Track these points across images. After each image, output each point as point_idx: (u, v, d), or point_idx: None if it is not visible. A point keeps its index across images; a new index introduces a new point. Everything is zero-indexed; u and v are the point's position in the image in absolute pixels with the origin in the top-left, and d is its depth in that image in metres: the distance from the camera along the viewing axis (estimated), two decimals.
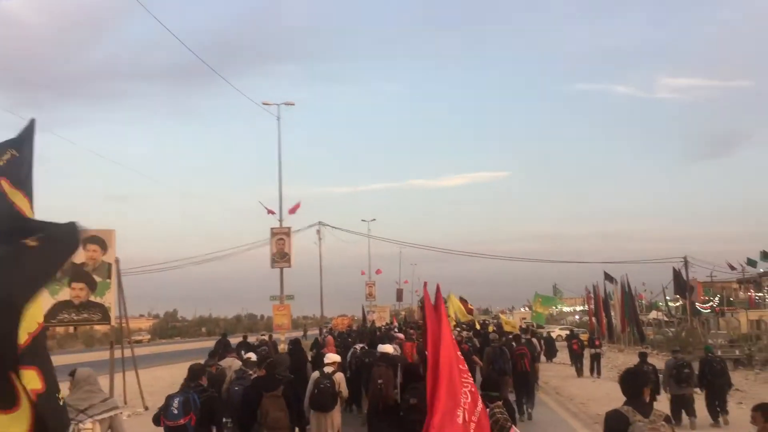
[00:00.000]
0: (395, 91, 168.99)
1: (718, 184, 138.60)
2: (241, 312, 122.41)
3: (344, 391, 9.20)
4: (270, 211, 33.15)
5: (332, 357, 9.52)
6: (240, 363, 11.47)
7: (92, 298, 14.97)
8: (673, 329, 40.61)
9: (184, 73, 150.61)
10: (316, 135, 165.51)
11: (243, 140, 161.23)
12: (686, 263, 43.85)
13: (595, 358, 23.57)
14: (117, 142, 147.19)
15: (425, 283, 7.44)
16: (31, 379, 2.88)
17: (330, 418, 8.88)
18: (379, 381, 9.01)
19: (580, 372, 23.57)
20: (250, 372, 9.94)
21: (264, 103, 33.36)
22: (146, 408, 15.43)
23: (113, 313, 15.34)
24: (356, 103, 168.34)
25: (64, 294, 14.71)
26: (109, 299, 15.14)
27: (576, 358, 24.08)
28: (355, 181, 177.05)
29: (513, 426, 6.09)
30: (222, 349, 16.07)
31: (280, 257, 32.67)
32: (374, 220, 56.80)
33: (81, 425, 5.67)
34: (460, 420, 5.60)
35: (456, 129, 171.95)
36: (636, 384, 5.01)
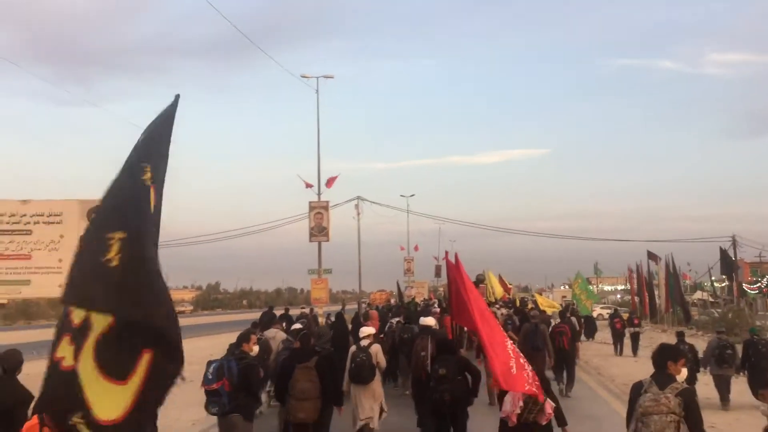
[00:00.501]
0: (434, 67, 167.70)
1: (765, 162, 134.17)
2: (282, 285, 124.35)
3: (382, 361, 9.32)
4: (308, 185, 33.24)
5: (366, 330, 9.62)
6: (284, 334, 11.93)
7: None
8: (719, 310, 39.64)
9: (225, 48, 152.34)
10: (356, 110, 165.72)
11: (283, 115, 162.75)
12: (734, 243, 42.68)
13: (634, 337, 23.76)
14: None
15: (447, 253, 8.15)
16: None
17: (371, 390, 9.03)
18: (422, 353, 9.29)
19: (619, 351, 23.67)
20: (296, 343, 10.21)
21: (302, 76, 33.31)
22: (183, 378, 15.48)
23: None
24: (396, 79, 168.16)
25: None
26: None
27: (617, 337, 24.13)
28: (394, 157, 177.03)
29: (548, 399, 6.18)
30: (267, 321, 16.27)
31: (319, 231, 32.83)
32: (413, 195, 56.45)
33: None
34: (514, 371, 6.07)
35: (495, 106, 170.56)
36: (661, 357, 5.24)
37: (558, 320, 15.54)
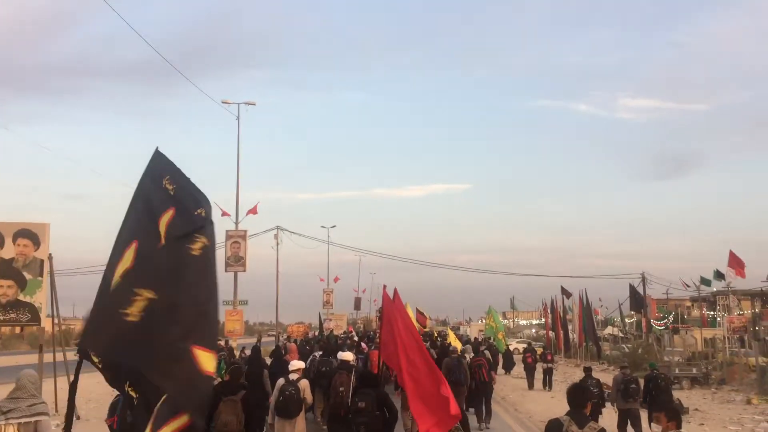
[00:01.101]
0: (361, 100, 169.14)
1: (673, 203, 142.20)
2: None
3: (309, 397, 9.56)
4: (225, 213, 32.54)
5: (297, 364, 9.79)
6: None
7: (21, 297, 13.88)
8: (629, 345, 40.92)
9: (146, 72, 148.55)
10: (279, 141, 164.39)
11: (204, 142, 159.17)
12: (644, 280, 44.39)
13: (548, 372, 24.63)
14: (74, 140, 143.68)
15: (384, 286, 8.24)
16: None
17: (295, 424, 9.23)
18: (341, 389, 9.27)
19: (531, 385, 24.40)
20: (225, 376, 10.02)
21: (224, 102, 32.97)
22: (78, 417, 14.43)
23: (44, 314, 14.27)
24: (321, 110, 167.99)
25: None
26: (40, 298, 14.03)
27: (529, 371, 24.90)
28: (317, 188, 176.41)
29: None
30: None
31: (235, 261, 32.17)
32: (334, 226, 55.97)
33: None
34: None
35: (419, 140, 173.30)
36: (582, 397, 5.53)
37: (472, 354, 15.65)
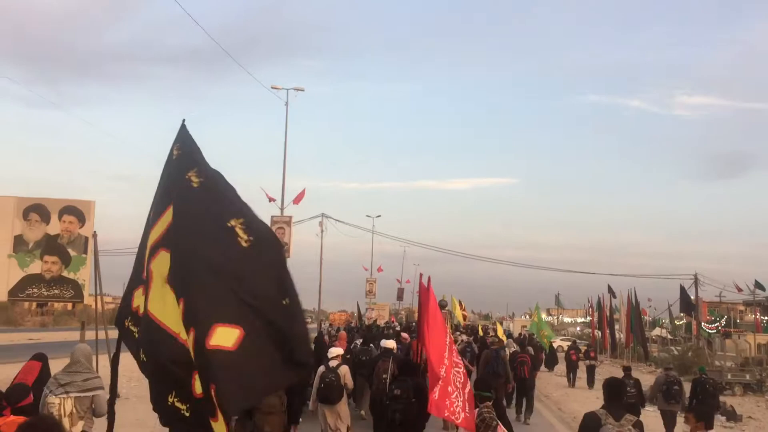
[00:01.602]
0: (409, 92, 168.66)
1: (728, 204, 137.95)
2: None
3: (350, 383, 9.68)
4: (271, 199, 32.81)
5: (336, 351, 9.90)
6: None
7: (65, 274, 14.01)
8: (678, 347, 40.00)
9: (200, 59, 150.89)
10: (329, 130, 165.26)
11: (253, 128, 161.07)
12: (696, 281, 43.08)
13: (590, 370, 24.67)
14: (127, 123, 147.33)
15: (420, 275, 8.53)
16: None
17: (337, 410, 9.42)
18: (384, 376, 9.85)
19: (573, 383, 24.53)
20: None
21: (273, 87, 33.10)
22: (118, 395, 14.55)
23: (87, 291, 14.41)
24: (371, 101, 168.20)
25: (35, 267, 13.77)
26: (83, 275, 14.12)
27: (572, 369, 25.00)
28: (364, 178, 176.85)
29: (500, 424, 6.57)
30: None
31: None
32: (379, 216, 56.10)
33: (49, 398, 6.05)
34: (436, 396, 6.62)
35: (467, 133, 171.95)
36: (617, 391, 5.92)
37: (517, 349, 15.57)
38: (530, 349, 18.75)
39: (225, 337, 3.21)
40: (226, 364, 3.16)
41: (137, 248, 4.19)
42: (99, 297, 15.00)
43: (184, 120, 4.15)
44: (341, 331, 17.82)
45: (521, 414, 14.75)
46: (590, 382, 23.95)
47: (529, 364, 15.14)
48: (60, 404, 6.03)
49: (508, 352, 15.06)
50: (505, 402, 13.62)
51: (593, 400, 20.09)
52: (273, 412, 7.31)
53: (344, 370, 9.51)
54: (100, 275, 15.02)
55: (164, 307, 3.58)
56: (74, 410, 6.11)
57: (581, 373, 24.71)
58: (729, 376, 26.09)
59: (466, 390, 6.94)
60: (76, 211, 14.12)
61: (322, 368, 9.57)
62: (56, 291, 13.97)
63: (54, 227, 13.89)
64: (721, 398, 20.43)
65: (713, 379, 15.02)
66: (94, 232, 14.42)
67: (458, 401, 6.72)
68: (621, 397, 5.95)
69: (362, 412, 13.10)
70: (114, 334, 4.92)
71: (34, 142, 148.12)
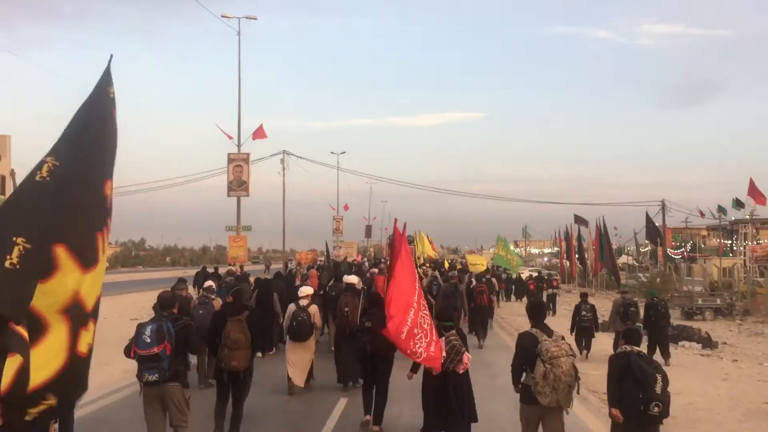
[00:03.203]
0: (376, 27, 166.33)
1: (691, 132, 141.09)
2: (209, 243, 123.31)
3: (318, 321, 10.83)
4: (229, 136, 33.10)
5: (306, 290, 10.81)
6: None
7: None
8: (647, 274, 41.95)
9: None
10: (290, 67, 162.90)
11: (212, 66, 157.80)
12: (663, 208, 45.13)
13: (551, 298, 26.63)
14: (82, 64, 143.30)
15: (396, 220, 9.00)
16: None
17: (305, 346, 10.48)
18: (346, 309, 10.88)
19: None
20: (212, 297, 11.72)
21: (223, 15, 33.08)
22: None
23: None
24: (334, 37, 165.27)
25: None
26: None
27: (530, 297, 26.55)
28: (329, 117, 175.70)
29: (466, 351, 7.55)
30: (202, 279, 18.89)
31: (238, 185, 32.95)
32: (344, 152, 57.27)
33: None
34: (403, 336, 7.34)
35: (434, 69, 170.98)
36: (540, 312, 6.99)
37: (474, 282, 17.89)
38: (493, 280, 20.56)
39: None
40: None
41: None
42: None
43: (111, 56, 4.49)
44: (311, 270, 18.80)
45: (480, 339, 16.27)
46: (552, 310, 25.62)
47: (487, 293, 16.96)
48: None
49: (465, 284, 16.71)
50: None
51: (550, 323, 22.09)
52: (239, 347, 7.97)
53: (314, 309, 10.51)
54: None
55: None
56: None
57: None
58: (700, 301, 27.12)
59: (433, 330, 7.67)
60: None
61: (292, 306, 10.52)
62: None
63: None
64: (694, 324, 22.01)
65: (665, 301, 16.39)
66: (12, 170, 13.75)
67: (422, 342, 7.44)
68: (543, 316, 6.87)
69: (333, 348, 14.09)
70: None
71: None
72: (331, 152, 57.58)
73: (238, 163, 32.99)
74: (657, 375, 6.12)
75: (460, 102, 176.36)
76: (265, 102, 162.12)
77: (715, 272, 41.35)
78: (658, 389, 6.07)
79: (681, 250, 45.43)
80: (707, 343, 18.28)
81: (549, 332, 6.59)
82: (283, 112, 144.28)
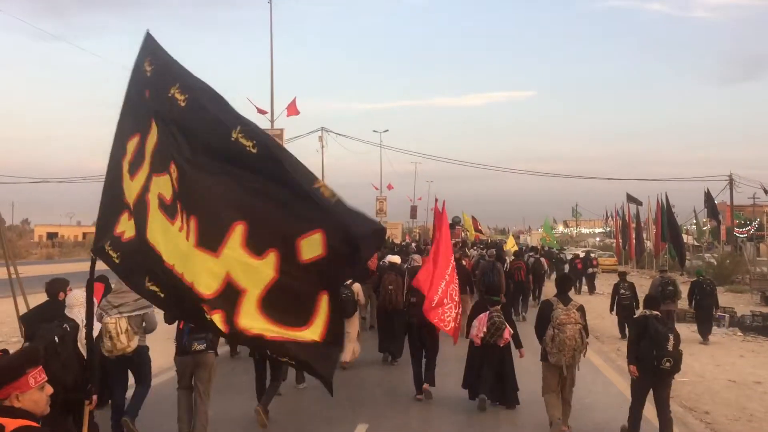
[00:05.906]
0: (421, 8, 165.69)
1: (756, 107, 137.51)
2: None
3: (362, 299, 12.32)
4: (261, 111, 32.67)
5: None
6: None
7: None
8: (716, 255, 41.08)
9: None
10: (335, 47, 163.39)
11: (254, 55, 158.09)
12: (731, 183, 44.64)
13: (591, 277, 30.08)
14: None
15: (436, 200, 10.44)
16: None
17: (350, 322, 11.76)
18: (390, 287, 12.11)
19: (578, 290, 28.64)
20: None
21: None
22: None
23: None
24: (381, 16, 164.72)
25: None
26: None
27: (577, 277, 28.44)
28: (374, 98, 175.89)
29: (507, 326, 9.06)
30: None
31: None
32: (386, 131, 58.14)
33: (105, 319, 7.60)
34: (434, 304, 9.04)
35: (481, 48, 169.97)
36: (566, 284, 8.66)
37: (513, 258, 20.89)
38: (543, 260, 23.94)
39: (311, 247, 3.53)
40: (326, 271, 3.57)
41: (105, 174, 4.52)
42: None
43: (148, 30, 4.36)
44: None
45: (518, 314, 18.38)
46: (591, 288, 29.28)
47: (525, 269, 19.69)
48: (116, 323, 7.50)
49: (508, 261, 19.06)
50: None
51: (584, 299, 22.85)
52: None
53: (357, 288, 11.81)
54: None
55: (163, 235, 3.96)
56: (129, 327, 7.55)
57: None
58: None
59: (459, 305, 9.40)
60: None
61: None
62: None
63: None
64: None
65: (710, 280, 17.50)
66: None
67: (451, 312, 9.07)
68: (568, 288, 8.47)
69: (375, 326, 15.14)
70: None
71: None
72: (374, 131, 58.21)
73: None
74: (669, 334, 7.61)
75: (508, 81, 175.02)
76: (306, 80, 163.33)
77: None
78: (670, 347, 7.55)
79: (746, 228, 45.19)
80: None
81: (566, 301, 8.13)
82: (323, 92, 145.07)
